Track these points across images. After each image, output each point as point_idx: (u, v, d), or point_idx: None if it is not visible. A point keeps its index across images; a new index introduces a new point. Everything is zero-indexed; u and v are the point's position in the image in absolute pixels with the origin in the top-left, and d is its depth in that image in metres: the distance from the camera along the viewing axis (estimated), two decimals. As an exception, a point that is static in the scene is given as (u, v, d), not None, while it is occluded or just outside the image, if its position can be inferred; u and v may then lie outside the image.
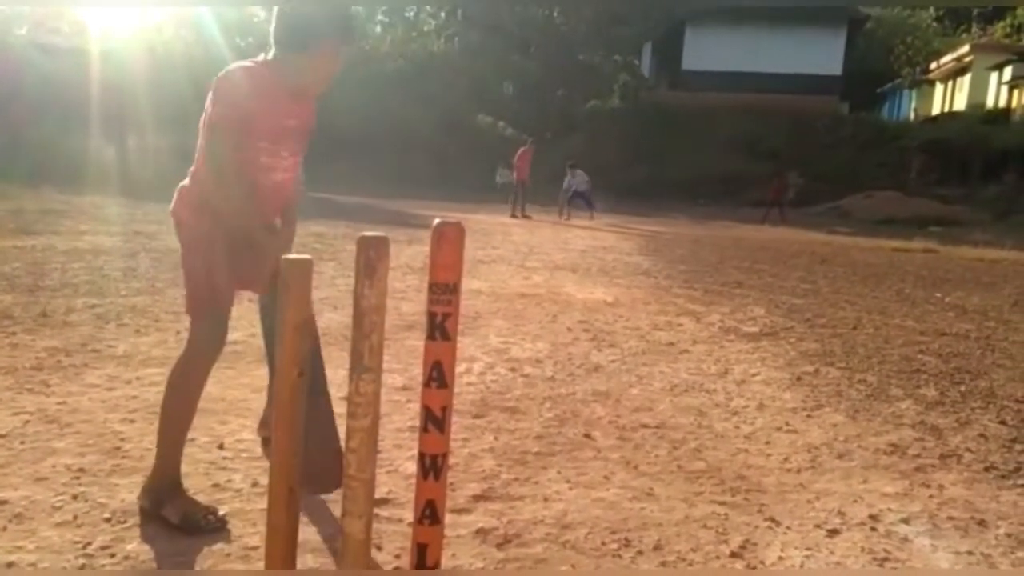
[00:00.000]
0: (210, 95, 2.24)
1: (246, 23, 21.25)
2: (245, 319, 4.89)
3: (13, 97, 16.72)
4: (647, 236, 13.67)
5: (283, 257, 1.41)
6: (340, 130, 23.20)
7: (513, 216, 16.14)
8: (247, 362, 3.92)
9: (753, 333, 5.48)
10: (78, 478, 2.46)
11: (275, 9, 2.29)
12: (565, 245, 11.30)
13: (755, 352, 4.86)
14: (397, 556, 2.11)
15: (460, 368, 4.09)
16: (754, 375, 4.28)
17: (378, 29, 37.07)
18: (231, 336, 4.48)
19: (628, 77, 30.45)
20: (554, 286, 7.21)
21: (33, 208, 10.74)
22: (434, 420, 1.46)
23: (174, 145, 18.18)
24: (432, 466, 1.47)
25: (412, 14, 35.40)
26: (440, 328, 1.44)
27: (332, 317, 4.99)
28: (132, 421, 2.99)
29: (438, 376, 1.45)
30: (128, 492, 2.38)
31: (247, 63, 2.30)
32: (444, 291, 1.42)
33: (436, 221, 1.45)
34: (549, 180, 18.62)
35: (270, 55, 2.31)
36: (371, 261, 1.37)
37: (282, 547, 1.58)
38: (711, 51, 28.98)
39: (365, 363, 1.39)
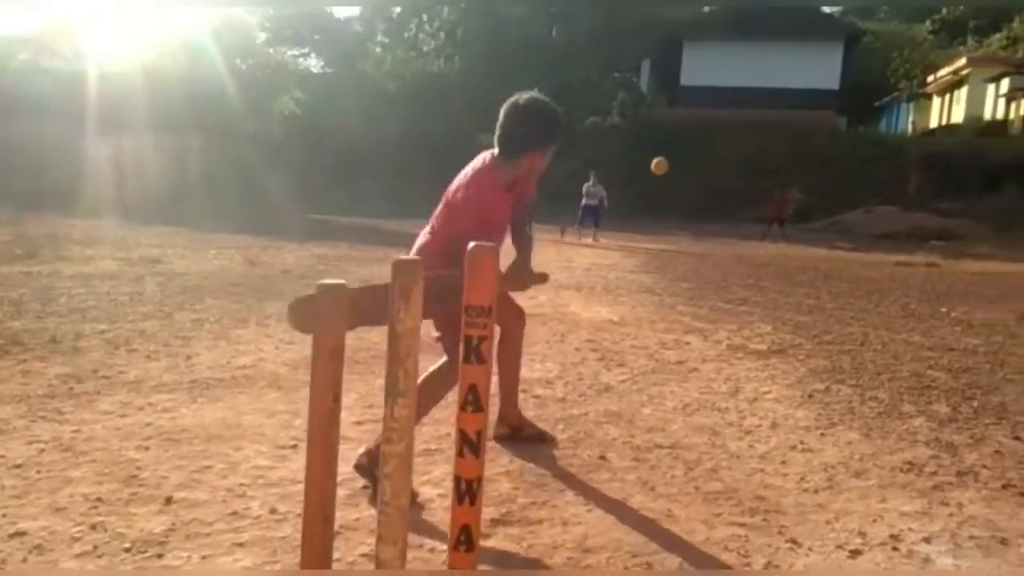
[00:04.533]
0: (467, 184, 2.83)
1: (247, 46, 21.39)
2: (254, 343, 4.91)
3: (11, 120, 16.82)
4: (650, 254, 13.70)
5: (319, 283, 1.41)
6: (339, 151, 23.33)
7: None
8: (260, 387, 3.92)
9: (761, 351, 5.47)
10: (96, 508, 2.46)
11: (499, 120, 2.82)
12: (568, 264, 11.32)
13: (765, 370, 4.86)
14: (419, 583, 2.10)
15: (471, 390, 4.08)
16: (765, 393, 4.27)
17: (377, 50, 37.35)
18: (242, 360, 4.51)
19: (626, 94, 30.64)
20: (559, 305, 7.22)
21: (37, 233, 10.77)
22: (470, 444, 1.46)
23: (173, 169, 18.32)
24: (467, 490, 1.47)
25: (411, 34, 35.65)
26: (476, 351, 1.44)
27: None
28: (147, 448, 2.98)
29: (474, 400, 1.45)
30: (146, 521, 2.37)
31: (490, 165, 2.85)
32: (479, 314, 1.43)
33: (471, 245, 1.46)
34: (550, 197, 18.64)
35: (496, 154, 2.85)
36: (406, 285, 1.37)
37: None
38: (709, 67, 29.17)
39: (400, 388, 1.39)
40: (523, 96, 2.82)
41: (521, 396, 4.01)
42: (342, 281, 1.42)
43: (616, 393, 4.16)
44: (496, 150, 2.84)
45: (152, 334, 5.04)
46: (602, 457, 3.16)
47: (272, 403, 3.65)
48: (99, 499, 2.52)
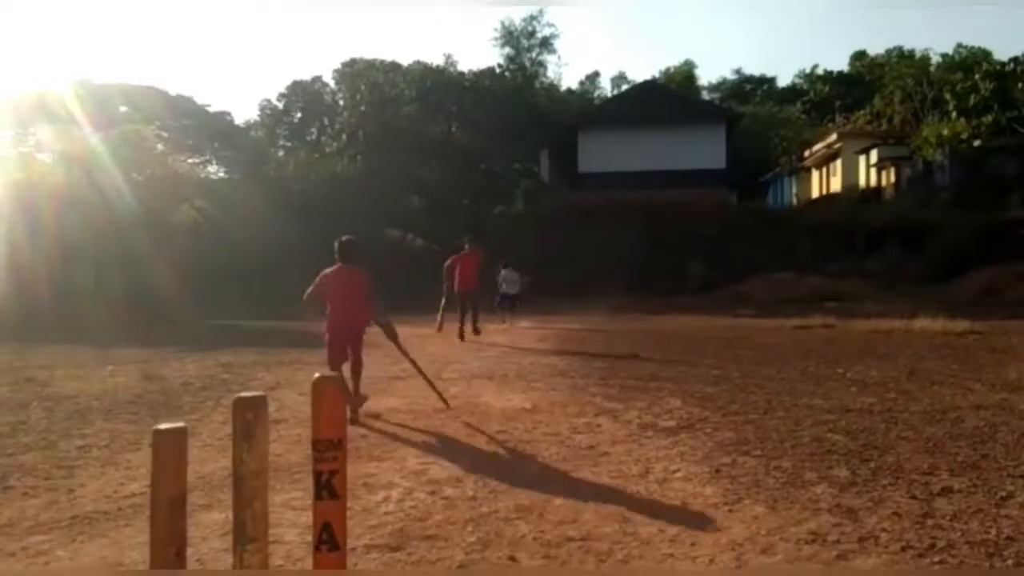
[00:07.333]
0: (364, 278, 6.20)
1: (144, 158, 21.04)
2: (145, 467, 4.63)
3: None
4: (562, 335, 13.82)
5: (154, 428, 1.34)
6: (243, 256, 22.93)
7: (461, 338, 12.77)
8: (148, 516, 3.66)
9: (670, 427, 5.53)
10: None
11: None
12: (481, 352, 11.27)
13: (674, 447, 4.90)
14: None
15: (378, 496, 3.95)
16: (674, 472, 4.29)
17: (280, 153, 37.43)
18: (131, 488, 4.23)
19: (529, 183, 31.59)
20: (472, 396, 7.14)
21: (-91, 364, 9.99)
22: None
23: (67, 285, 17.50)
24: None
25: (313, 137, 36.00)
26: (327, 487, 1.38)
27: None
28: (14, 602, 2.72)
29: (329, 539, 1.37)
30: None
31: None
32: (329, 447, 1.37)
33: (315, 376, 1.41)
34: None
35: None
36: (249, 424, 1.31)
37: None
38: (604, 154, 30.51)
39: (249, 533, 1.31)
40: (344, 238, 6.32)
41: (430, 499, 3.91)
42: (182, 424, 1.35)
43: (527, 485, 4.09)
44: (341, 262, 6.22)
45: (32, 467, 4.69)
46: (511, 558, 3.07)
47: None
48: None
